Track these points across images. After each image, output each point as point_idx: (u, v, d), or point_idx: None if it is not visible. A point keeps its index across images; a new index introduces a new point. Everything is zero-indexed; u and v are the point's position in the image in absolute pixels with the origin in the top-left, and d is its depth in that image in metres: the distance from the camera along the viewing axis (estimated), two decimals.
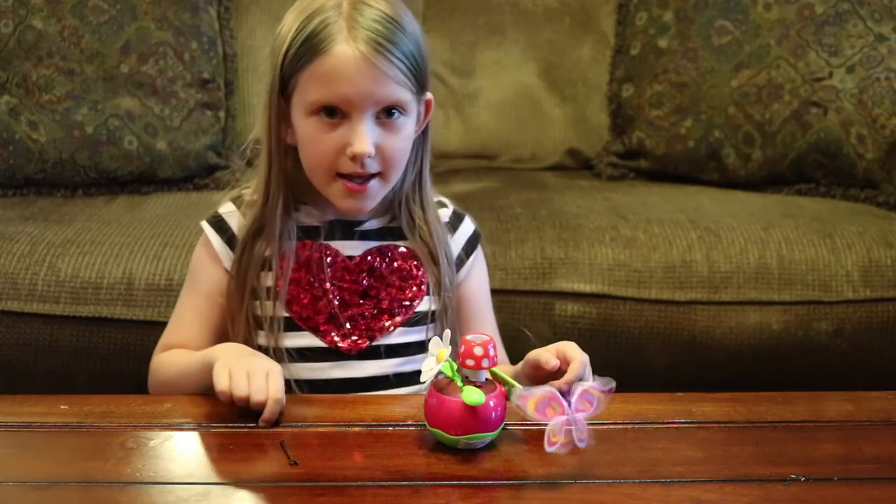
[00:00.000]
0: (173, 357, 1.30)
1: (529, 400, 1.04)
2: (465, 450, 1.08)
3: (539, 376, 1.17)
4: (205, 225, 1.34)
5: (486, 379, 1.09)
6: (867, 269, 1.84)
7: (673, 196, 2.09)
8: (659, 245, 1.85)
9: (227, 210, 1.34)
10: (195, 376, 1.22)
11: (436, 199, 1.38)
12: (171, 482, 1.03)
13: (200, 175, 2.16)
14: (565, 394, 1.06)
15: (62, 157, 2.06)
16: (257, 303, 1.31)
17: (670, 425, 1.17)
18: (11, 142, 2.05)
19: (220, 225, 1.33)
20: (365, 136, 1.22)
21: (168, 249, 1.79)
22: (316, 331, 1.30)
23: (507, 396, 1.09)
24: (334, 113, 1.23)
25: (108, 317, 1.74)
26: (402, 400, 1.25)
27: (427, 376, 1.09)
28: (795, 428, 1.18)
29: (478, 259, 1.41)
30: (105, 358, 1.75)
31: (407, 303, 1.33)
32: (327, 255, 1.31)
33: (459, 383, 1.08)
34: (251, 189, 1.34)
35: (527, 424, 1.07)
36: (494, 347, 1.09)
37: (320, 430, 1.15)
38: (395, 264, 1.33)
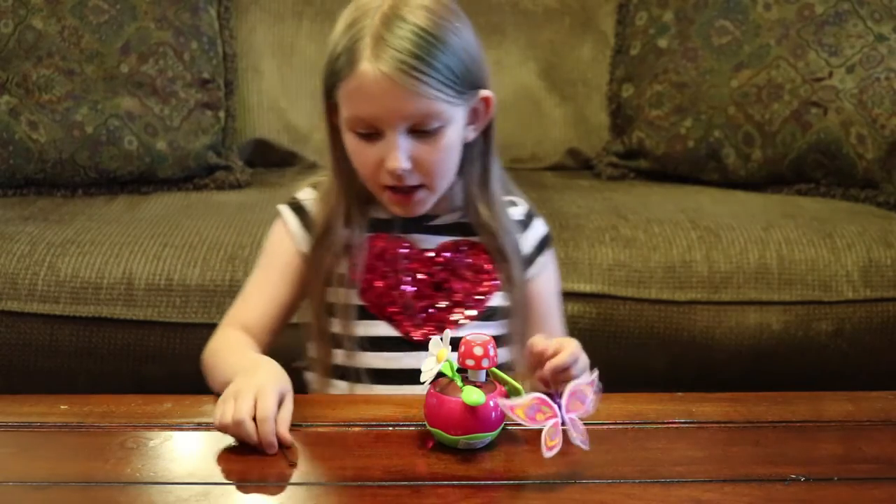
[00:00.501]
0: (225, 346, 1.28)
1: (517, 409, 1.04)
2: (465, 450, 1.08)
3: (534, 362, 1.17)
4: (283, 208, 1.34)
5: (487, 379, 1.09)
6: (867, 269, 1.84)
7: (673, 196, 2.09)
8: (659, 245, 1.85)
9: (307, 196, 1.35)
10: (224, 385, 1.17)
11: (508, 199, 1.37)
12: (171, 482, 1.03)
13: (200, 175, 2.16)
14: (555, 396, 1.06)
15: (62, 157, 2.06)
16: (331, 290, 1.31)
17: (670, 425, 1.17)
18: (11, 142, 2.05)
19: (298, 209, 1.34)
20: (397, 153, 1.22)
21: (168, 249, 1.79)
22: (390, 320, 1.31)
23: (507, 397, 1.09)
24: (368, 129, 1.23)
25: (107, 317, 1.74)
26: (402, 400, 1.25)
27: (427, 376, 1.09)
28: (795, 428, 1.18)
29: (549, 260, 1.41)
30: (105, 358, 1.75)
31: (480, 297, 1.33)
32: (403, 248, 1.32)
33: (459, 383, 1.08)
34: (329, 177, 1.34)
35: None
36: (494, 347, 1.09)
37: (320, 430, 1.15)
38: (469, 259, 1.33)
